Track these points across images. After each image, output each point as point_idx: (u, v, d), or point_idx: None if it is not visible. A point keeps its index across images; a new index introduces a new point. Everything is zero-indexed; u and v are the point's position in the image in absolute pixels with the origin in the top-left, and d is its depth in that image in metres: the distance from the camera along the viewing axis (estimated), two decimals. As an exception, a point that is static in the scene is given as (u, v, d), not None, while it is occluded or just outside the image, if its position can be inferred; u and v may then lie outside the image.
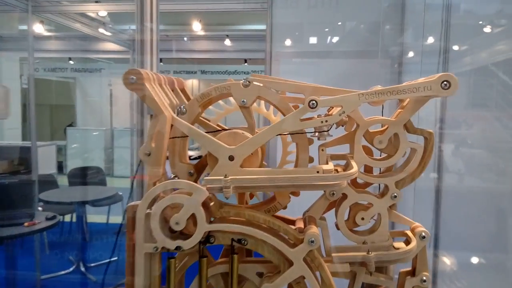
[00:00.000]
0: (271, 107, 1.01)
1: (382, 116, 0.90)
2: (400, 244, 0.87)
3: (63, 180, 5.26)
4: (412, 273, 0.86)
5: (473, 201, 1.85)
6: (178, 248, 0.77)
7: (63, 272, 3.67)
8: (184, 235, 0.77)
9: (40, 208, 3.66)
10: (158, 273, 0.79)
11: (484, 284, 1.77)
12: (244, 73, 8.50)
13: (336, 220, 0.88)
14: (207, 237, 0.78)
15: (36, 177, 4.07)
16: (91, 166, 5.57)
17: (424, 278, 0.85)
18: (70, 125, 8.75)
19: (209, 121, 0.98)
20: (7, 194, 3.48)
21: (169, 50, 8.02)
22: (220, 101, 1.03)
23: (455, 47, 2.14)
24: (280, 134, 0.83)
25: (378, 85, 0.88)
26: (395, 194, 0.85)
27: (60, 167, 7.77)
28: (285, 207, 0.88)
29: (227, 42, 7.62)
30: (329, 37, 3.07)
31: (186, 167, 0.85)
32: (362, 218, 0.87)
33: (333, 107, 0.86)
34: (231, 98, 1.03)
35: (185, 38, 7.95)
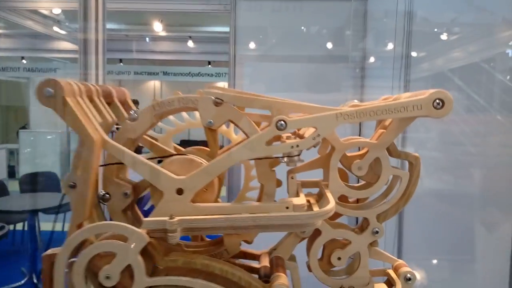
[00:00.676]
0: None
1: (360, 134, 0.78)
2: (380, 286, 0.74)
3: (14, 186, 4.90)
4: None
5: (432, 205, 1.86)
6: (110, 308, 0.60)
7: (14, 285, 3.40)
8: (119, 288, 0.61)
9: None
10: None
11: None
12: (208, 75, 8.33)
13: (308, 259, 0.74)
14: (149, 293, 0.62)
15: (-17, 183, 3.76)
16: (45, 172, 5.20)
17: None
18: (23, 128, 8.22)
19: (156, 140, 0.82)
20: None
21: (130, 50, 7.71)
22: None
23: (414, 53, 2.14)
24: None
25: (355, 100, 0.75)
26: (377, 229, 0.72)
27: (12, 172, 7.30)
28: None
29: (190, 43, 7.41)
30: (293, 41, 2.99)
31: (121, 186, 0.67)
32: (339, 258, 0.74)
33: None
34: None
35: (147, 39, 7.67)
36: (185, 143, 1.08)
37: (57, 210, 3.59)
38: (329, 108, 0.68)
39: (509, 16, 1.46)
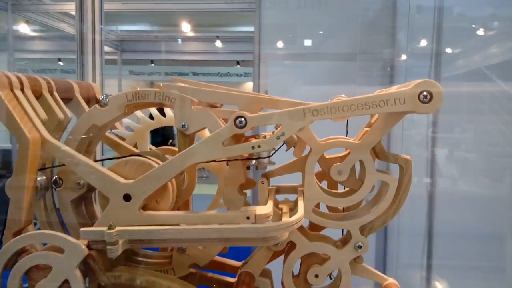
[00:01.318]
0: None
1: (347, 135, 0.68)
2: (367, 309, 0.65)
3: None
4: None
5: (466, 208, 1.74)
6: (47, 326, 0.54)
7: None
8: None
9: None
10: None
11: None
12: (236, 75, 8.31)
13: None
14: (90, 311, 0.55)
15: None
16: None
17: None
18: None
19: (124, 140, 0.76)
20: None
21: (159, 51, 7.81)
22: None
23: (448, 50, 2.02)
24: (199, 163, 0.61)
25: (342, 95, 0.66)
26: (360, 243, 0.63)
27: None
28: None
29: (218, 43, 7.41)
30: (319, 39, 2.89)
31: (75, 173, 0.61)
32: (316, 276, 0.64)
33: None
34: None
35: (179, 40, 7.73)
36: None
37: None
38: (299, 103, 0.59)
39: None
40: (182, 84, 0.64)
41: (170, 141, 2.77)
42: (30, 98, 0.58)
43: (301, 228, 0.65)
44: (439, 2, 2.09)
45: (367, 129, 0.63)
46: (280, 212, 0.63)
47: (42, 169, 0.58)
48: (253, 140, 0.56)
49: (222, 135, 0.54)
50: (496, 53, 1.85)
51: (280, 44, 2.95)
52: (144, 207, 0.57)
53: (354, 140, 0.63)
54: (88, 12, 1.51)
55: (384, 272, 0.67)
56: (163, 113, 0.82)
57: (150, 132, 0.81)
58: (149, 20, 7.32)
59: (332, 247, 0.64)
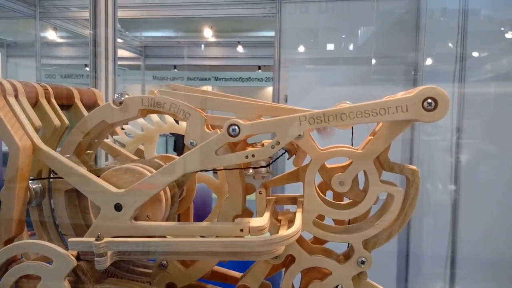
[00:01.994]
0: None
1: (352, 144, 0.65)
2: (371, 328, 0.61)
3: None
4: None
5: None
6: (36, 338, 0.53)
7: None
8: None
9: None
10: None
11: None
12: (258, 80, 8.31)
13: (281, 290, 0.62)
14: (79, 323, 0.54)
15: None
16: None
17: None
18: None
19: (124, 146, 0.75)
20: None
21: (181, 57, 7.90)
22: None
23: (475, 54, 1.95)
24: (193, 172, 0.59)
25: (347, 101, 0.63)
26: (363, 258, 0.59)
27: None
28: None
29: (239, 48, 7.44)
30: (340, 43, 2.85)
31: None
32: (317, 291, 0.61)
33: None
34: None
35: (202, 46, 7.81)
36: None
37: None
38: (302, 110, 0.57)
39: None
40: (176, 91, 0.62)
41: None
42: (24, 105, 0.57)
43: (301, 241, 0.62)
44: (464, 5, 2.03)
45: (370, 137, 0.60)
46: (279, 224, 0.61)
47: (34, 179, 0.58)
48: (249, 149, 0.54)
49: (215, 143, 0.52)
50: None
51: (301, 48, 2.92)
52: (136, 217, 0.55)
53: (357, 149, 0.60)
54: (102, 18, 1.52)
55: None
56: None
57: (174, 137, 0.80)
58: (172, 26, 7.43)
59: (334, 262, 0.60)
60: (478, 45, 2.00)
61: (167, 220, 0.58)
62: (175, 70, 8.42)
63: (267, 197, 0.63)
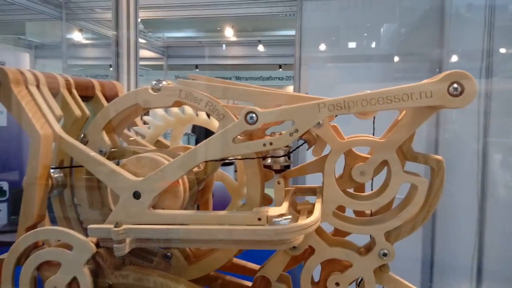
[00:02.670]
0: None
1: (373, 134, 0.63)
2: (393, 323, 0.59)
3: None
4: None
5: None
6: (56, 324, 0.53)
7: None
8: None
9: None
10: None
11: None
12: (278, 78, 8.30)
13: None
14: (98, 310, 0.54)
15: None
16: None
17: None
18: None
19: (143, 137, 0.75)
20: None
21: (203, 56, 7.96)
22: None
23: (502, 50, 1.88)
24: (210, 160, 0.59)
25: (367, 90, 0.61)
26: (385, 251, 0.57)
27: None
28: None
29: (260, 47, 7.44)
30: (362, 40, 2.80)
31: (101, 139, 0.60)
32: (337, 284, 0.60)
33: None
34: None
35: (223, 46, 7.85)
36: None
37: None
38: (321, 99, 0.55)
39: None
40: (194, 81, 0.62)
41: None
42: (45, 95, 0.58)
43: (320, 232, 0.61)
44: (491, 0, 1.96)
45: (393, 127, 0.58)
46: (298, 214, 0.60)
47: (55, 168, 0.58)
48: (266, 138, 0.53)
49: (232, 131, 0.52)
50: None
51: (322, 46, 2.88)
52: (155, 206, 0.55)
53: (379, 139, 0.58)
54: (124, 19, 1.54)
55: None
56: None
57: (195, 136, 0.80)
58: (194, 26, 7.49)
59: (355, 254, 0.59)
60: (505, 40, 1.93)
61: (185, 209, 0.58)
62: (197, 69, 8.49)
63: (286, 188, 0.62)
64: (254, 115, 0.51)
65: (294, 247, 0.59)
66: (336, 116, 0.66)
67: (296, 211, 0.62)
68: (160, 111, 0.77)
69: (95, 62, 8.63)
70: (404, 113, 0.56)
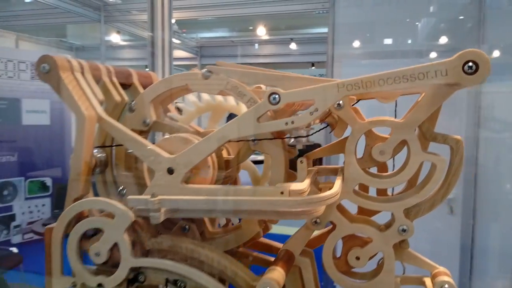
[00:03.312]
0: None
1: (396, 117, 0.66)
2: (413, 298, 0.61)
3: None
4: None
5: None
6: (100, 286, 0.59)
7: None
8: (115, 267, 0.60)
9: None
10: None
11: None
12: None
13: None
14: (136, 275, 0.59)
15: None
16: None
17: None
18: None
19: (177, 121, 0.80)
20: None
21: (236, 55, 8.06)
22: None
23: None
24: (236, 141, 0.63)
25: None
26: (404, 227, 0.60)
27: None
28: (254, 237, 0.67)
29: (293, 45, 7.44)
30: (398, 36, 2.76)
31: (144, 113, 0.66)
32: (357, 258, 0.63)
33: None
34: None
35: (256, 45, 7.92)
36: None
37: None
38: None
39: None
40: (219, 67, 0.66)
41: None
42: (89, 81, 0.64)
43: (342, 210, 0.64)
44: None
45: (412, 109, 0.60)
46: (319, 191, 0.63)
47: (98, 147, 0.64)
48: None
49: (257, 111, 0.56)
50: None
51: (356, 43, 2.85)
52: (187, 181, 0.60)
53: (399, 120, 0.60)
54: (158, 20, 1.61)
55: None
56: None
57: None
58: (226, 26, 7.60)
59: (374, 229, 0.61)
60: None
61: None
62: (230, 69, 8.58)
63: (309, 168, 0.66)
64: (277, 95, 0.55)
65: (316, 222, 0.63)
66: (357, 101, 0.69)
67: (318, 189, 0.65)
68: (193, 98, 0.82)
69: (132, 63, 8.89)
70: (423, 96, 0.58)
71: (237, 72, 0.64)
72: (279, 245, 0.77)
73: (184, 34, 7.51)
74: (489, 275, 2.01)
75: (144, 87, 0.79)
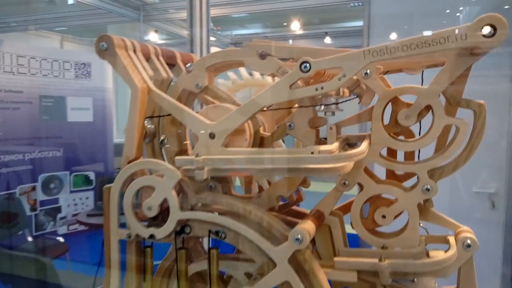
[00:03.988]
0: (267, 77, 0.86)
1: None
2: (437, 253, 0.65)
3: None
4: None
5: None
6: (151, 236, 0.67)
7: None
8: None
9: None
10: (135, 263, 0.70)
11: None
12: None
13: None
14: (183, 227, 0.67)
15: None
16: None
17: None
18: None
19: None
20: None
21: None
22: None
23: None
24: (268, 109, 0.69)
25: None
26: (428, 186, 0.64)
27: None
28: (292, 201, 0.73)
29: (327, 39, 7.40)
30: (438, 28, 2.69)
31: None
32: (383, 216, 0.67)
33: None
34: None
35: (291, 41, 7.94)
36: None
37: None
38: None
39: None
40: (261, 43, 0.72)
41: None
42: (140, 58, 0.72)
43: (369, 173, 0.69)
44: None
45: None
46: (348, 155, 0.68)
47: (148, 117, 0.72)
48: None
49: (289, 79, 0.62)
50: None
51: (393, 36, 2.82)
52: (227, 145, 0.67)
53: (424, 86, 0.65)
54: (197, 17, 1.69)
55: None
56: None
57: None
58: (260, 22, 7.66)
59: (399, 190, 0.66)
60: None
61: (251, 150, 0.69)
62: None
63: (338, 136, 0.71)
64: (307, 64, 0.60)
65: (345, 184, 0.68)
66: (386, 73, 0.73)
67: (347, 153, 0.70)
68: (245, 73, 0.89)
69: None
70: (446, 63, 0.62)
71: (275, 47, 0.70)
72: (302, 210, 0.83)
73: (219, 32, 7.63)
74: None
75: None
